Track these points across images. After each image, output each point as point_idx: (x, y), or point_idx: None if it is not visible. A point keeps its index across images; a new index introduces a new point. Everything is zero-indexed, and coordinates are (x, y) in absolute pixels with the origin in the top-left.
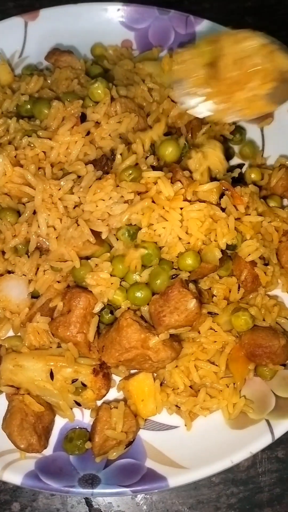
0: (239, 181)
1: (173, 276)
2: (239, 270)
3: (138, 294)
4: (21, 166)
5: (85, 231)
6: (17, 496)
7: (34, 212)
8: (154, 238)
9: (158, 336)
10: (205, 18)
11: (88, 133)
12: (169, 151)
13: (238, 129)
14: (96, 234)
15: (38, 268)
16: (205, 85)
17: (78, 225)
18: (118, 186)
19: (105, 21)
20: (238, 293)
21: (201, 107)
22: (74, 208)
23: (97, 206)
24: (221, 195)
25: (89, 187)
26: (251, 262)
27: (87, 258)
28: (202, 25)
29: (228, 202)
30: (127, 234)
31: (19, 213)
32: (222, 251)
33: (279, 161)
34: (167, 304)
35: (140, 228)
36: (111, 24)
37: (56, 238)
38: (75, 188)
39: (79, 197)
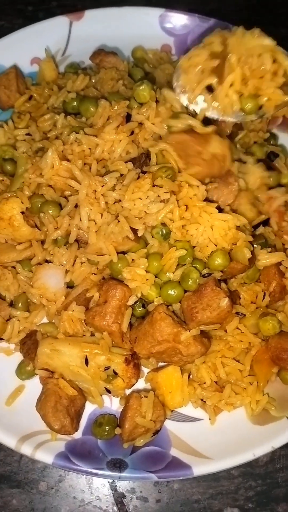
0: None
1: (206, 275)
2: (267, 281)
3: (171, 292)
4: (68, 160)
5: (125, 227)
6: (44, 476)
7: (76, 206)
8: (187, 237)
9: (189, 331)
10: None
11: (132, 133)
12: None
13: (273, 136)
14: (133, 231)
15: (75, 260)
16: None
17: (119, 221)
18: (154, 185)
19: (147, 25)
20: (263, 300)
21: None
22: (114, 204)
23: (135, 205)
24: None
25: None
26: (280, 272)
27: (124, 253)
28: None
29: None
30: (160, 233)
31: (60, 206)
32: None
33: None
34: (200, 301)
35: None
36: (152, 29)
37: (96, 232)
38: (117, 185)
39: (119, 195)
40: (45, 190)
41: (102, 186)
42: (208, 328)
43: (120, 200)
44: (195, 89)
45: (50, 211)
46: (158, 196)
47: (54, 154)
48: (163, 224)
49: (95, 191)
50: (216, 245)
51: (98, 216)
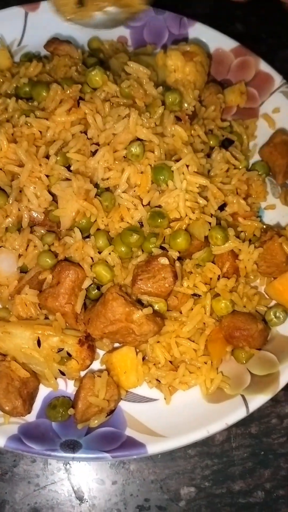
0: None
1: (163, 248)
2: (221, 262)
3: (133, 236)
4: (16, 142)
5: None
6: None
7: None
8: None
9: (142, 311)
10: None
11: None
12: None
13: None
14: None
15: (28, 244)
16: None
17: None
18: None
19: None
20: (218, 282)
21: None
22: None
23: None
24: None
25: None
26: (233, 254)
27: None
28: (195, 27)
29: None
30: (134, 150)
31: (7, 194)
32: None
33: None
34: (147, 269)
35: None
36: None
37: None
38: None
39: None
40: None
41: (45, 164)
42: (150, 301)
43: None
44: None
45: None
46: (119, 115)
47: (2, 136)
48: (137, 140)
49: (39, 171)
50: (181, 217)
51: (45, 192)
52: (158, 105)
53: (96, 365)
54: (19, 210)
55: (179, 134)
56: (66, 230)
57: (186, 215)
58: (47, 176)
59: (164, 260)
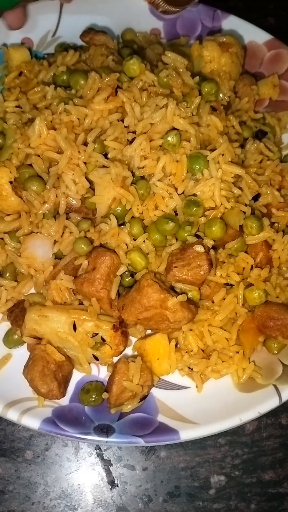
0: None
1: (198, 236)
2: (254, 252)
3: (168, 225)
4: (55, 129)
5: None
6: (31, 445)
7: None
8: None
9: (176, 298)
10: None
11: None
12: None
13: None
14: None
15: (63, 231)
16: None
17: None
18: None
19: (136, 9)
20: (251, 272)
21: None
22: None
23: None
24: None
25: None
26: (267, 244)
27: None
28: (228, 20)
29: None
30: (170, 140)
31: (44, 181)
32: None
33: None
34: (182, 257)
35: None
36: (141, 12)
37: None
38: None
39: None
40: (34, 160)
41: (84, 152)
42: (184, 289)
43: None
44: None
45: (34, 187)
46: (157, 105)
47: (41, 123)
48: (173, 129)
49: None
50: (216, 206)
51: (82, 179)
52: (195, 95)
53: (128, 352)
54: (56, 196)
55: (214, 124)
56: (101, 218)
57: (221, 204)
58: (85, 163)
59: (199, 248)
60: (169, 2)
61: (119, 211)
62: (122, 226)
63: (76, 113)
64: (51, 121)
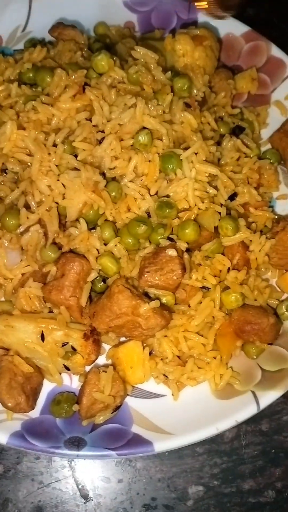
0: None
1: (171, 239)
2: (231, 254)
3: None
4: (24, 129)
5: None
6: (1, 459)
7: None
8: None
9: (148, 304)
10: None
11: None
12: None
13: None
14: None
15: None
16: None
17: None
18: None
19: (109, 1)
20: (228, 274)
21: None
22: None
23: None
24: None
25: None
26: (244, 245)
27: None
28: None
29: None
30: (141, 139)
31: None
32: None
33: None
34: (155, 261)
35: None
36: (115, 5)
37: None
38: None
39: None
40: (10, 163)
41: (54, 153)
42: (158, 294)
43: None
44: None
45: (11, 222)
46: (125, 104)
47: (13, 125)
48: (143, 129)
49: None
50: (189, 207)
51: (59, 185)
52: (167, 92)
53: (101, 360)
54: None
55: (188, 121)
56: (71, 222)
57: (195, 205)
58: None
59: (172, 252)
60: (221, 7)
61: (90, 215)
62: (93, 230)
63: (43, 112)
64: (17, 118)
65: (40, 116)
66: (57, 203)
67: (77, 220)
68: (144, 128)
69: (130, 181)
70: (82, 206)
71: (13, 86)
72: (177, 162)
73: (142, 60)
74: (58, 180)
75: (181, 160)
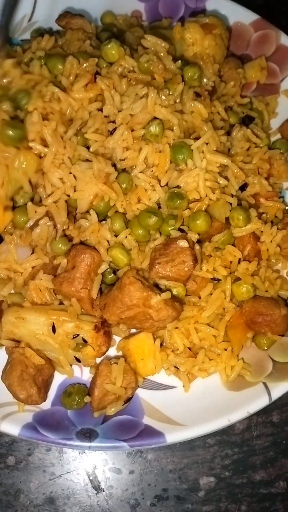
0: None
1: (182, 230)
2: (242, 245)
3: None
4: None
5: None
6: (12, 450)
7: None
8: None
9: (160, 295)
10: None
11: None
12: None
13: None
14: None
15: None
16: None
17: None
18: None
19: None
20: (238, 265)
21: None
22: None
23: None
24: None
25: None
26: (254, 236)
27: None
28: (213, 0)
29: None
30: (153, 130)
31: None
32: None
33: None
34: (165, 253)
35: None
36: None
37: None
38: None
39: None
40: None
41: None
42: (168, 285)
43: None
44: None
45: (21, 219)
46: (136, 94)
47: (39, 117)
48: (155, 119)
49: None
50: (200, 197)
51: (70, 178)
52: (178, 81)
53: (112, 352)
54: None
55: (198, 111)
56: (81, 214)
57: (206, 196)
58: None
59: (183, 243)
60: None
61: (101, 207)
62: (103, 222)
63: (65, 100)
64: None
65: (63, 106)
66: (68, 195)
67: (87, 212)
68: (155, 118)
69: (141, 172)
70: (93, 198)
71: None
72: (187, 153)
73: (152, 48)
74: (70, 173)
75: (192, 150)
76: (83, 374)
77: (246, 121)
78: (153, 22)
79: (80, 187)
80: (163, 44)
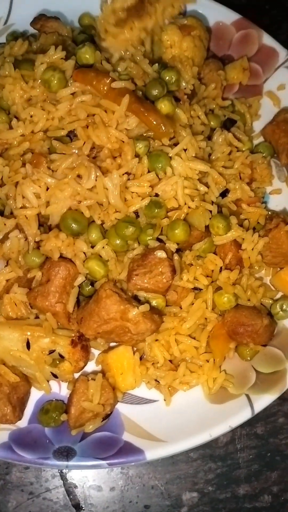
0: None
1: (160, 240)
2: (223, 253)
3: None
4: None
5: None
6: None
7: None
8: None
9: (138, 308)
10: None
11: None
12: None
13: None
14: None
15: None
16: None
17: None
18: None
19: None
20: (220, 274)
21: None
22: None
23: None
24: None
25: None
26: (236, 243)
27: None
28: None
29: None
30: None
31: None
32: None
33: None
34: (143, 264)
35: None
36: None
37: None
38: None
39: None
40: None
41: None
42: (147, 297)
43: None
44: None
45: None
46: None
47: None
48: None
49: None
50: (179, 205)
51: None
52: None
53: (91, 366)
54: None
55: (177, 116)
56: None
57: (185, 204)
58: None
59: (161, 254)
60: None
61: (75, 228)
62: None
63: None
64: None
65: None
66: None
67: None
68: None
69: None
70: (66, 211)
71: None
72: (165, 161)
73: (128, 53)
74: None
75: (170, 158)
76: (62, 390)
77: (228, 124)
78: None
79: (54, 201)
80: (139, 47)
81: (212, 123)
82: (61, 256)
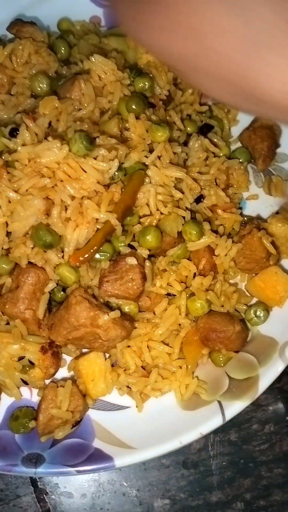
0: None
1: (131, 246)
2: (197, 259)
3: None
4: None
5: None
6: None
7: None
8: None
9: (108, 315)
10: None
11: None
12: None
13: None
14: None
15: None
16: None
17: None
18: None
19: None
20: (193, 280)
21: None
22: None
23: None
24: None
25: None
26: (210, 249)
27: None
28: None
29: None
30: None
31: None
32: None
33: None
34: (114, 270)
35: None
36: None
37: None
38: None
39: None
40: None
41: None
42: (118, 303)
43: None
44: None
45: None
46: None
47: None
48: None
49: None
50: (150, 212)
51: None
52: None
53: (64, 372)
54: None
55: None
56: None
57: (158, 210)
58: None
59: (131, 260)
60: None
61: (47, 241)
62: None
63: None
64: None
65: None
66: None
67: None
68: None
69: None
70: (29, 229)
71: None
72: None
73: (101, 69)
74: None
75: (146, 165)
76: (33, 396)
77: (205, 129)
78: (112, 28)
79: (16, 217)
80: (109, 63)
81: (188, 128)
82: (30, 262)
